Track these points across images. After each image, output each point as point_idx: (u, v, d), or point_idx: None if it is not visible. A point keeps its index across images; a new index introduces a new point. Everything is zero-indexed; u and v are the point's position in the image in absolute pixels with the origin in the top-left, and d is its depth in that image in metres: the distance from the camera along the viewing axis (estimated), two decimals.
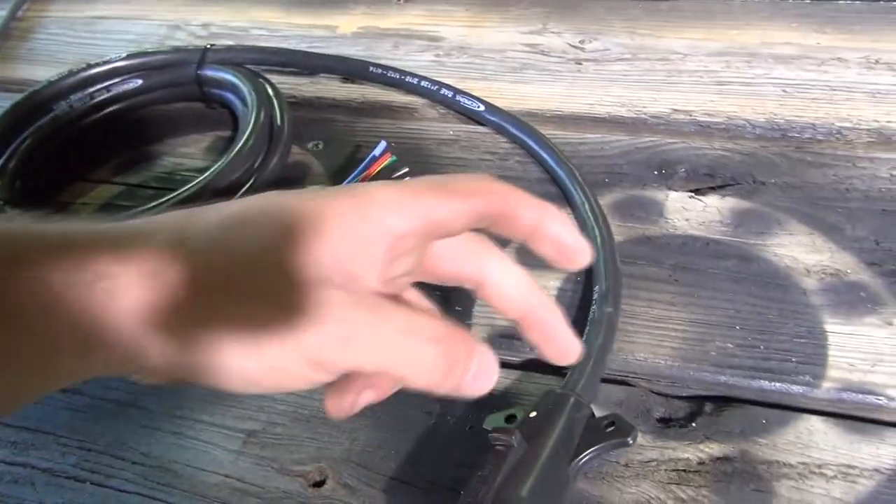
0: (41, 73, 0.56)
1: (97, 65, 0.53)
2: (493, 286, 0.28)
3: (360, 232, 0.24)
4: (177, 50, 0.55)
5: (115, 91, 0.53)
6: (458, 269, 0.28)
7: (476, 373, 0.24)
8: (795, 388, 0.34)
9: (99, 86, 0.53)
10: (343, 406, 0.26)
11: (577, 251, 0.27)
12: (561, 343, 0.28)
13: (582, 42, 0.59)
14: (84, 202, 0.49)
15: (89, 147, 0.53)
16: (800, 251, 0.40)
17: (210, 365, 0.23)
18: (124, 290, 0.22)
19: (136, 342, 0.23)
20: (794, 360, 0.35)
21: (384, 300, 0.24)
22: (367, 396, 0.26)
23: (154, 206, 0.42)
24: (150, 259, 0.23)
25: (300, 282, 0.23)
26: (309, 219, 0.24)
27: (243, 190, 0.45)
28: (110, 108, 0.54)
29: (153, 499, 0.33)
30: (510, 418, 0.34)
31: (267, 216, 0.24)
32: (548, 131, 0.49)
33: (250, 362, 0.23)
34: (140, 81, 0.54)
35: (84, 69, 0.52)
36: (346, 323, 0.23)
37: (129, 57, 0.53)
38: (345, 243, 0.24)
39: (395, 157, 0.44)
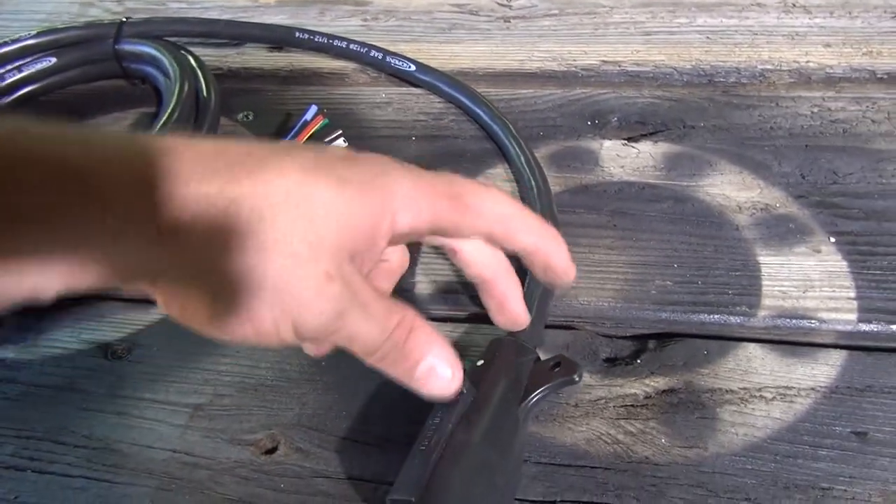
0: None
1: (5, 44, 0.50)
2: (466, 254, 0.30)
3: (371, 220, 0.25)
4: (91, 25, 0.52)
5: (27, 71, 0.51)
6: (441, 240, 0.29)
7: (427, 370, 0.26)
8: (733, 319, 0.35)
9: (9, 66, 0.50)
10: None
11: (563, 278, 0.30)
12: (512, 313, 0.32)
13: (509, 0, 0.58)
14: None
15: None
16: (731, 189, 0.41)
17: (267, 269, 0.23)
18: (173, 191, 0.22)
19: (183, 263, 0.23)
20: (730, 292, 0.36)
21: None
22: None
23: None
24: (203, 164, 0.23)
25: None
26: (340, 169, 0.25)
27: None
28: (24, 90, 0.51)
29: (99, 480, 0.32)
30: None
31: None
32: (480, 90, 0.49)
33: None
34: (54, 60, 0.51)
35: None
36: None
37: (39, 34, 0.51)
38: (356, 232, 0.25)
39: (326, 121, 0.43)
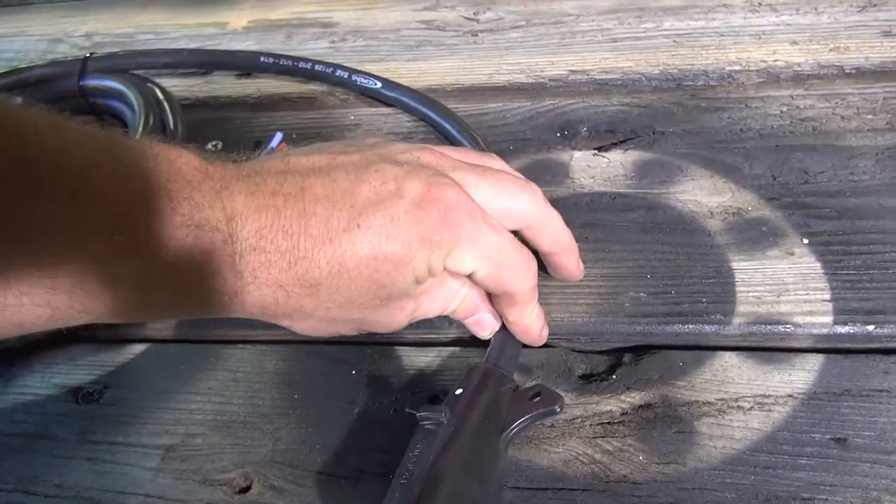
0: None
1: None
2: (534, 230, 0.33)
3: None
4: (55, 63, 0.52)
5: None
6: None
7: None
8: (708, 328, 0.35)
9: None
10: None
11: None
12: (569, 272, 0.36)
13: (476, 14, 0.58)
14: None
15: None
16: (702, 195, 0.41)
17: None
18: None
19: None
20: (704, 300, 0.35)
21: None
22: None
23: None
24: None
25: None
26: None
27: None
28: None
29: None
30: (434, 398, 0.34)
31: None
32: (450, 105, 0.49)
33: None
34: (20, 99, 0.51)
35: None
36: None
37: (3, 75, 0.51)
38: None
39: (291, 147, 0.43)
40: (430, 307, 0.32)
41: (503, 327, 0.34)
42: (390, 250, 0.28)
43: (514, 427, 0.30)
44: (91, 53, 0.52)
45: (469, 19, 0.58)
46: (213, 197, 0.26)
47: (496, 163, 0.35)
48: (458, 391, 0.31)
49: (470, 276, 0.31)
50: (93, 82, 0.51)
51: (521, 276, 0.31)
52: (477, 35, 0.56)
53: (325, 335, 0.31)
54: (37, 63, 0.52)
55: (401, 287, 0.29)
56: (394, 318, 0.31)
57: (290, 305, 0.28)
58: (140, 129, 0.45)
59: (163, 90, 0.50)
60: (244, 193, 0.27)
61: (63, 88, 0.51)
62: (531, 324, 0.33)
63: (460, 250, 0.29)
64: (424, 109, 0.48)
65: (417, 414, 0.29)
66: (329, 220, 0.27)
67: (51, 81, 0.51)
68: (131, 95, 0.48)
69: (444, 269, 0.30)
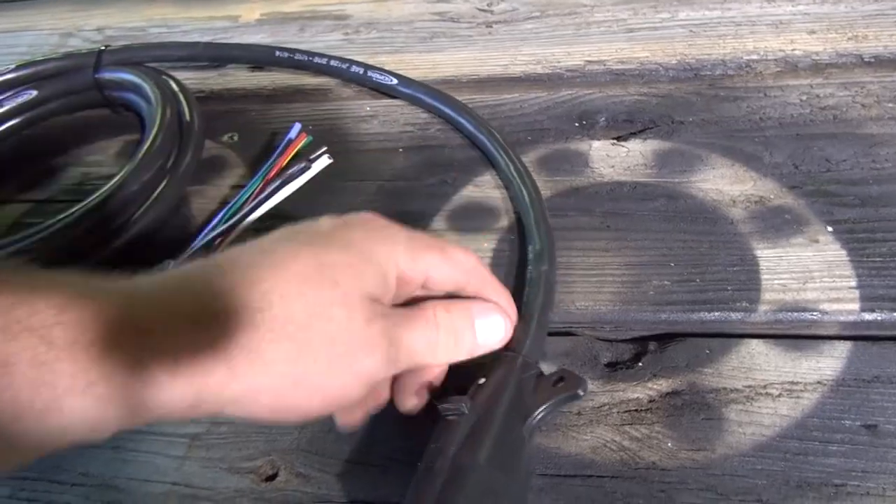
0: None
1: None
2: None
3: (381, 265, 0.28)
4: (70, 55, 0.52)
5: (8, 105, 0.50)
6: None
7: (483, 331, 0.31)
8: (734, 315, 0.34)
9: None
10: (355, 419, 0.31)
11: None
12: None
13: (490, 5, 0.58)
14: None
15: None
16: (723, 183, 0.41)
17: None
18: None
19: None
20: (729, 288, 0.35)
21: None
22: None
23: (63, 218, 0.40)
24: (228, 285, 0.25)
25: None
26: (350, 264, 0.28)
27: (159, 189, 0.43)
28: (7, 124, 0.51)
29: None
30: (457, 389, 0.33)
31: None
32: (465, 96, 0.49)
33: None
34: (35, 92, 0.51)
35: None
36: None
37: (19, 68, 0.50)
38: (372, 278, 0.28)
39: (310, 138, 0.43)
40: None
41: (522, 316, 0.33)
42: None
43: (539, 413, 0.30)
44: (106, 46, 0.52)
45: (483, 10, 0.58)
46: None
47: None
48: (481, 381, 0.30)
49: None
50: (108, 75, 0.51)
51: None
52: (491, 26, 0.56)
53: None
54: (51, 56, 0.52)
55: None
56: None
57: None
58: (157, 121, 0.45)
59: (178, 83, 0.50)
60: None
61: (78, 81, 0.51)
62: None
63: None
64: (441, 106, 0.48)
65: (439, 405, 0.29)
66: None
67: (66, 74, 0.51)
68: (147, 88, 0.48)
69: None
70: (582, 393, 0.30)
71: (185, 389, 0.23)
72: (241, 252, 0.27)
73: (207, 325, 0.24)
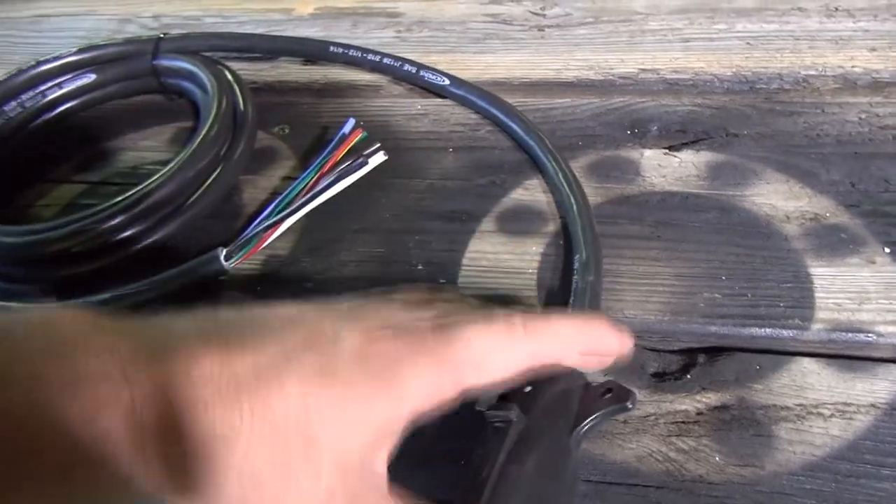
0: None
1: (47, 61, 0.51)
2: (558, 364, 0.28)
3: (382, 418, 0.24)
4: (130, 41, 0.53)
5: (67, 87, 0.51)
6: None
7: None
8: (786, 333, 0.34)
9: (50, 83, 0.51)
10: None
11: (622, 355, 0.30)
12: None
13: (543, 9, 0.58)
14: (46, 204, 0.47)
15: (46, 147, 0.51)
16: (778, 199, 0.40)
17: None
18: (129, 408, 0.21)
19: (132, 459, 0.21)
20: (782, 304, 0.35)
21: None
22: None
23: (119, 202, 0.40)
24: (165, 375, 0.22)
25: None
26: (344, 381, 0.24)
27: (213, 177, 0.44)
28: (65, 106, 0.52)
29: None
30: (504, 396, 0.33)
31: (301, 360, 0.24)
32: (517, 99, 0.49)
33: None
34: (94, 76, 0.52)
35: (33, 66, 0.50)
36: None
37: (79, 51, 0.52)
38: (365, 434, 0.24)
39: (365, 134, 0.43)
40: None
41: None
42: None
43: (586, 424, 0.30)
44: (164, 33, 0.53)
45: (536, 14, 0.58)
46: None
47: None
48: (527, 388, 0.30)
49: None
50: (165, 62, 0.52)
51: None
52: (544, 30, 0.56)
53: None
54: (111, 41, 0.53)
55: None
56: None
57: None
58: (213, 110, 0.46)
59: (233, 73, 0.51)
60: None
61: (136, 67, 0.52)
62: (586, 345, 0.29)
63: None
64: (491, 109, 0.48)
65: (486, 412, 0.29)
66: None
67: (125, 59, 0.52)
68: (204, 77, 0.49)
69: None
70: (630, 406, 0.30)
71: None
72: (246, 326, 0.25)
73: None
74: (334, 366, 0.24)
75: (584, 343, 0.28)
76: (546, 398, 0.29)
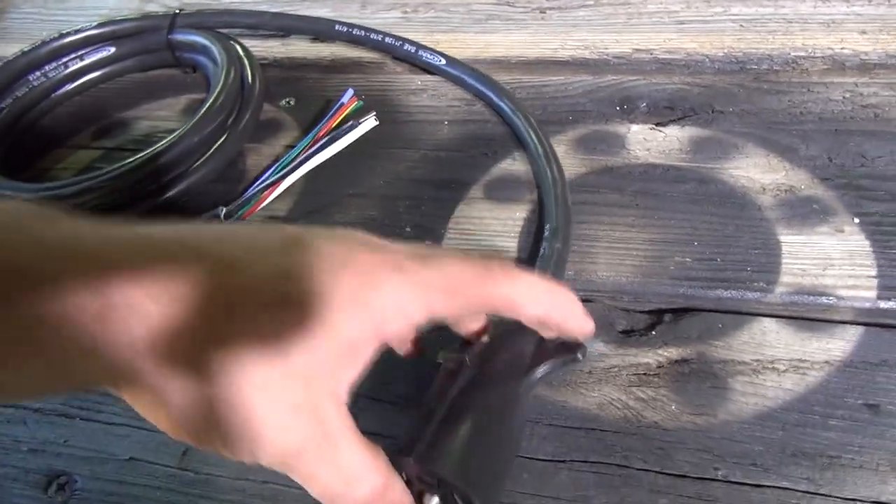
0: (16, 50, 0.57)
1: (69, 34, 0.53)
2: (521, 310, 0.27)
3: (353, 339, 0.24)
4: (147, 16, 0.55)
5: (88, 60, 0.54)
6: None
7: None
8: (750, 295, 0.35)
9: (72, 55, 0.54)
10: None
11: (581, 335, 0.29)
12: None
13: None
14: (63, 167, 0.50)
15: (66, 115, 0.54)
16: (756, 171, 0.41)
17: (232, 395, 0.22)
18: (138, 319, 0.21)
19: (151, 375, 0.22)
20: (749, 269, 0.36)
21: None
22: None
23: (129, 163, 0.43)
24: (167, 280, 0.22)
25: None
26: (321, 283, 0.24)
27: (218, 144, 0.46)
28: (85, 77, 0.55)
29: (140, 428, 0.34)
30: (462, 344, 0.35)
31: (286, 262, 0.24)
32: (513, 76, 0.50)
33: (275, 380, 0.22)
34: (112, 49, 0.55)
35: (56, 38, 0.53)
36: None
37: (100, 25, 0.54)
38: (336, 356, 0.24)
39: (360, 102, 0.45)
40: None
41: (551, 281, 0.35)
42: None
43: (537, 373, 0.31)
44: (180, 9, 0.55)
45: None
46: None
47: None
48: (485, 339, 0.32)
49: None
50: (180, 37, 0.54)
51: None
52: (545, 12, 0.57)
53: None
54: (129, 16, 0.56)
55: None
56: None
57: None
58: (221, 81, 0.48)
59: (243, 48, 0.53)
60: None
61: (152, 41, 0.55)
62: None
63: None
64: (482, 88, 0.49)
65: (442, 356, 0.31)
66: None
67: (142, 34, 0.55)
68: (215, 50, 0.51)
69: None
70: (580, 357, 0.31)
71: None
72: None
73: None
74: (309, 279, 0.23)
75: (552, 304, 0.28)
76: (498, 347, 0.31)
